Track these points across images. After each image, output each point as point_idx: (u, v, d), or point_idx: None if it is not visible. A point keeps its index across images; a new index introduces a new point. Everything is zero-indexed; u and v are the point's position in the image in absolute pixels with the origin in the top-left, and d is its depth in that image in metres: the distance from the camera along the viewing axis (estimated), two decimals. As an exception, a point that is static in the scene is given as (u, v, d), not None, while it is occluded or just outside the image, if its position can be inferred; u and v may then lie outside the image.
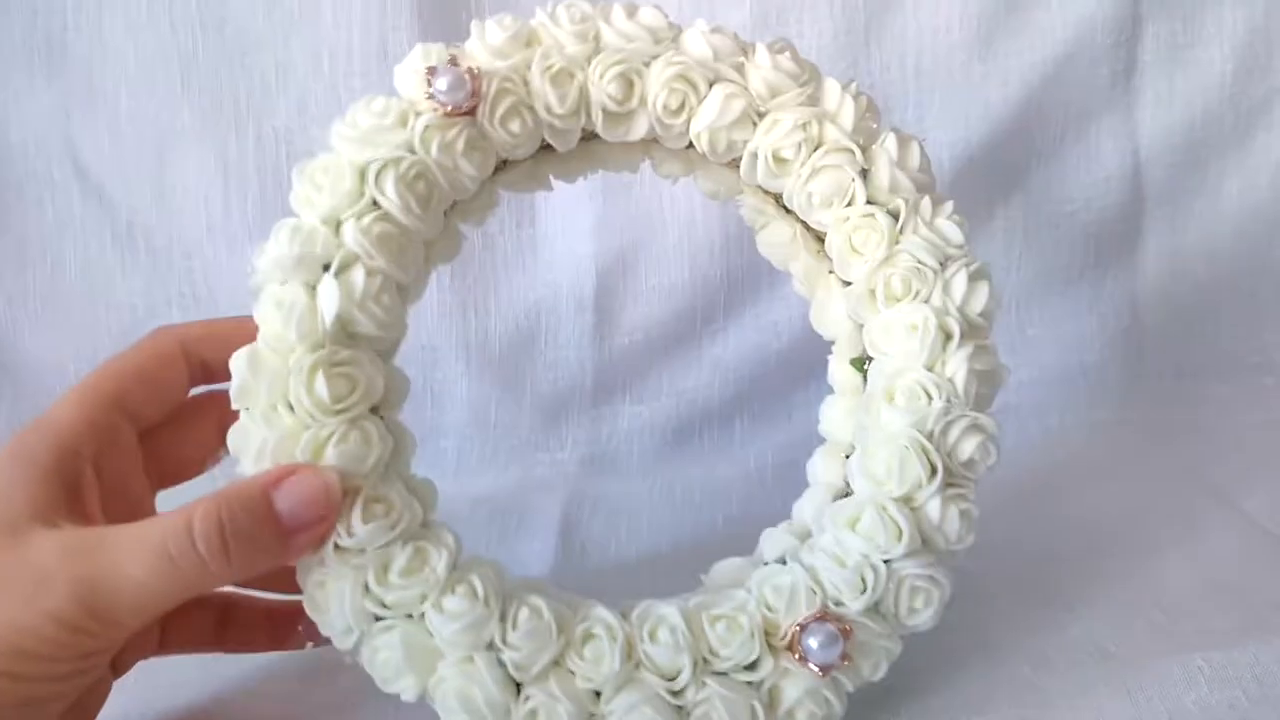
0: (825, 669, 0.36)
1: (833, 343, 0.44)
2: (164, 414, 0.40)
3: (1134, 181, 0.65)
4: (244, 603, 0.42)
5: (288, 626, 0.42)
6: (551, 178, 0.44)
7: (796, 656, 0.36)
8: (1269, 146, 0.65)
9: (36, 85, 0.63)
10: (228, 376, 0.36)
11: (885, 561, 0.37)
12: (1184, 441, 0.61)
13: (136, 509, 0.39)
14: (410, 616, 0.35)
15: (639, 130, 0.40)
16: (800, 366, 0.65)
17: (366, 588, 0.35)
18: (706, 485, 0.62)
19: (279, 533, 0.33)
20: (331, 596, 0.35)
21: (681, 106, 0.39)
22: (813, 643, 0.36)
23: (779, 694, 0.37)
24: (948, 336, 0.39)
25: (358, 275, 0.36)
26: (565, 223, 0.66)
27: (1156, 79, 0.64)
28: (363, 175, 0.37)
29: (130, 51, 0.63)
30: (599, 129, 0.40)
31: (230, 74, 0.63)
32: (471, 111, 0.38)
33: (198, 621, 0.41)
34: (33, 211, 0.65)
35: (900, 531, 0.37)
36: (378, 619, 0.35)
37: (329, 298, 0.35)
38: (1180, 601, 0.46)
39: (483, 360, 0.66)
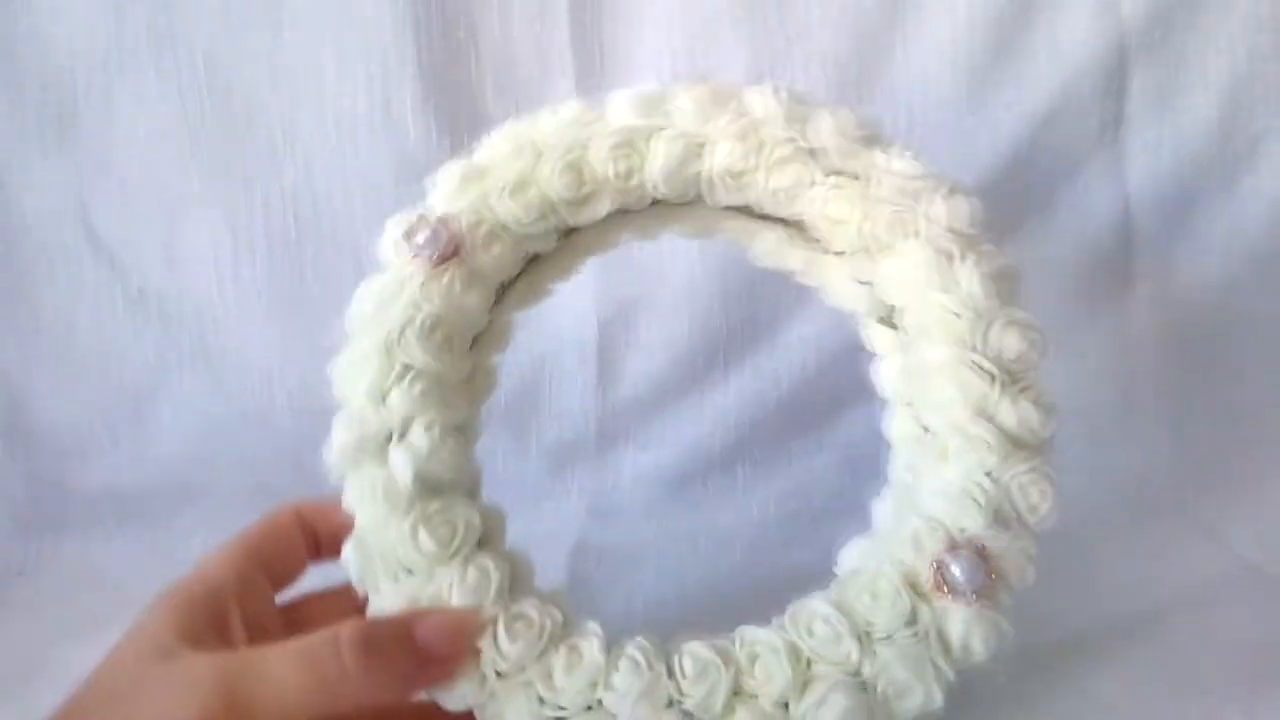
0: (977, 592, 0.37)
1: (857, 316, 0.46)
2: (291, 574, 0.43)
3: (1124, 228, 0.66)
4: None
5: None
6: (550, 284, 0.46)
7: (947, 593, 0.37)
8: (1257, 191, 0.65)
9: (49, 155, 0.65)
10: (338, 545, 0.39)
11: (986, 475, 0.39)
12: (1178, 483, 0.62)
13: None
14: (590, 709, 0.37)
15: (603, 207, 0.43)
16: (800, 414, 0.66)
17: (540, 700, 0.36)
18: (710, 531, 0.63)
19: (417, 658, 0.36)
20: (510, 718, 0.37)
21: (629, 170, 0.42)
22: (956, 571, 0.37)
23: (947, 634, 0.37)
24: (949, 257, 0.41)
25: (417, 434, 0.39)
26: (567, 276, 0.67)
27: (1144, 127, 0.65)
28: (386, 348, 0.39)
29: (140, 121, 0.64)
30: (569, 221, 0.43)
31: (238, 140, 0.64)
32: (456, 253, 0.41)
33: None
34: (46, 277, 0.66)
35: (986, 442, 0.39)
36: None
37: (401, 463, 0.38)
38: (1180, 641, 0.47)
39: (488, 412, 0.66)
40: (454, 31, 0.65)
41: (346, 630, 0.34)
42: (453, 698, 0.37)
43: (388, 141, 0.65)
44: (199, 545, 0.42)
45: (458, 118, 0.65)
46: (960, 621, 0.37)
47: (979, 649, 0.37)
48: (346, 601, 0.40)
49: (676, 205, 0.44)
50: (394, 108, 0.64)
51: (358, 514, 0.38)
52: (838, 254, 0.44)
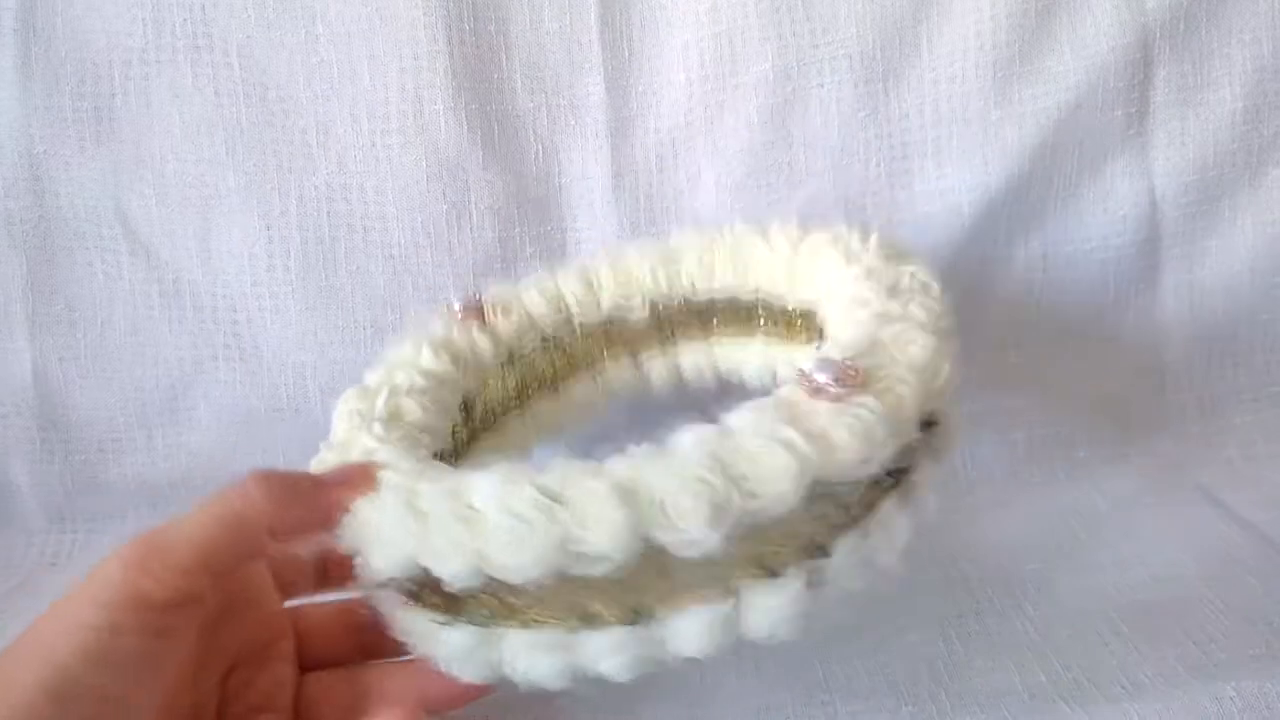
0: (841, 390, 0.35)
1: None
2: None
3: (1150, 220, 0.66)
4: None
5: None
6: None
7: (817, 393, 0.36)
8: (1282, 182, 0.66)
9: (86, 151, 0.65)
10: None
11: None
12: (1208, 473, 0.62)
13: None
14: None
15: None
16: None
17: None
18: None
19: (318, 481, 0.38)
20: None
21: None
22: (819, 376, 0.36)
23: (826, 439, 0.34)
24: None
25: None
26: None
27: (1169, 119, 0.65)
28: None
29: (176, 118, 0.65)
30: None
31: (273, 137, 0.65)
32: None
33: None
34: (82, 273, 0.67)
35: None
36: None
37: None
38: (1210, 631, 0.47)
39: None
40: (484, 28, 0.65)
41: (249, 473, 0.37)
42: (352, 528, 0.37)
43: (419, 138, 0.65)
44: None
45: (488, 114, 0.66)
46: (834, 416, 0.35)
47: (846, 438, 0.34)
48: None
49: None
50: (425, 104, 0.65)
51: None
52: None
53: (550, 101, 0.67)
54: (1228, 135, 0.65)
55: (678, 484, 0.32)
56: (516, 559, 0.32)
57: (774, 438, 0.33)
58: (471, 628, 0.36)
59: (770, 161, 0.66)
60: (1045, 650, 0.46)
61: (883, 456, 0.35)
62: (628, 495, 0.32)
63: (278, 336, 0.67)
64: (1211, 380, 0.67)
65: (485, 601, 0.36)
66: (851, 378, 0.36)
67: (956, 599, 0.51)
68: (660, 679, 0.46)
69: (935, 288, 0.44)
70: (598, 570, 0.33)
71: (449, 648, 0.37)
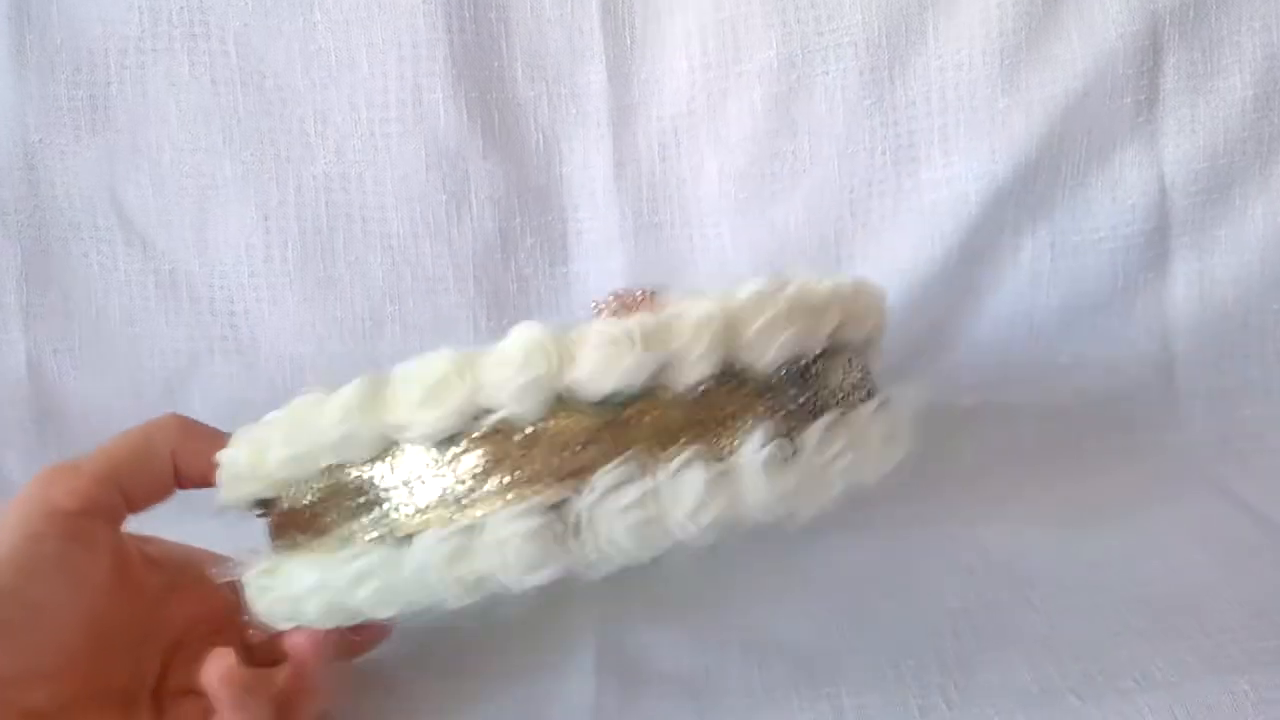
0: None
1: None
2: (150, 502, 0.42)
3: (1159, 208, 0.65)
4: None
5: None
6: None
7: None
8: (1293, 168, 0.65)
9: (82, 139, 0.65)
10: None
11: None
12: (1218, 465, 0.61)
13: None
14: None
15: None
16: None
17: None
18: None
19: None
20: None
21: None
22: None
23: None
24: None
25: None
26: (598, 263, 0.67)
27: (1178, 107, 0.65)
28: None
29: (173, 106, 0.65)
30: None
31: (270, 126, 0.65)
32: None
33: None
34: (78, 262, 0.66)
35: None
36: None
37: None
38: (1221, 623, 0.46)
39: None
40: (485, 15, 0.65)
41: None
42: None
43: (419, 127, 0.65)
44: (228, 528, 0.41)
45: (488, 103, 0.65)
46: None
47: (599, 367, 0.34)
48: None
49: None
50: (425, 93, 0.64)
51: None
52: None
53: (551, 90, 0.66)
54: (1238, 123, 0.64)
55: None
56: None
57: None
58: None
59: (774, 150, 0.66)
60: (1054, 643, 0.45)
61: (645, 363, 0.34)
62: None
63: (275, 328, 0.66)
64: (1222, 371, 0.66)
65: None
66: (636, 302, 0.38)
67: (965, 591, 0.50)
68: (662, 668, 0.46)
69: None
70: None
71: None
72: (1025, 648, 0.45)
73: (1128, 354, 0.66)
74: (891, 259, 0.65)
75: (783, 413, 0.36)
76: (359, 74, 0.64)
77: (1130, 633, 0.46)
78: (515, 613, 0.45)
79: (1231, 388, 0.66)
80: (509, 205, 0.66)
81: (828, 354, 0.38)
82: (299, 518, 0.38)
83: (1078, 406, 0.66)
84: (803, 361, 0.37)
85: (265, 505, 0.40)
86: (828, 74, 0.64)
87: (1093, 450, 0.64)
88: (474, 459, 0.34)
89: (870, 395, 0.41)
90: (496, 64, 0.66)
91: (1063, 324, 0.67)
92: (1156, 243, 0.66)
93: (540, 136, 0.66)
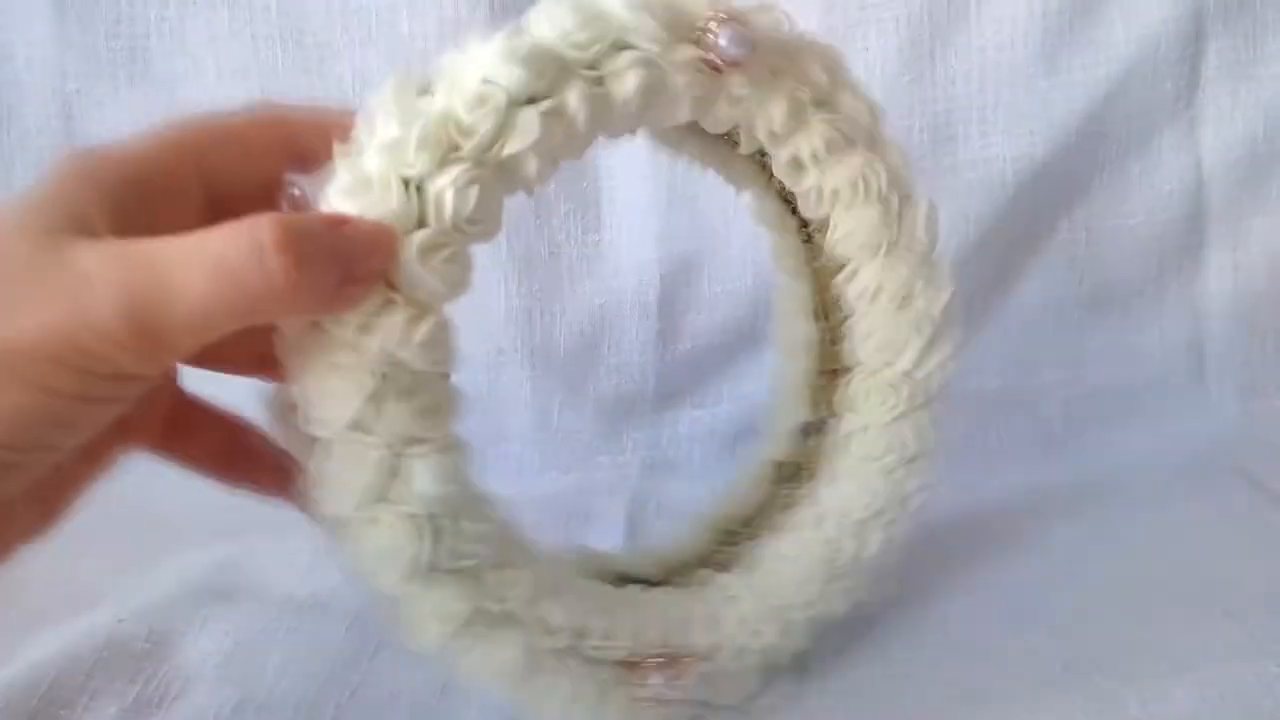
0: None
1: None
2: (240, 192, 0.34)
3: (1196, 195, 0.65)
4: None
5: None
6: None
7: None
8: (1332, 159, 0.65)
9: (119, 91, 0.65)
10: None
11: None
12: (1247, 453, 0.61)
13: None
14: None
15: None
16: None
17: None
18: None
19: (344, 266, 0.30)
20: None
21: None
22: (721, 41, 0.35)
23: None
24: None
25: None
26: (630, 230, 0.67)
27: (1219, 94, 0.64)
28: None
29: (211, 61, 0.64)
30: None
31: (309, 84, 0.64)
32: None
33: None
34: (112, 214, 0.66)
35: None
36: None
37: None
38: (1249, 608, 0.46)
39: (547, 365, 0.67)
40: (526, -24, 0.64)
41: (268, 232, 0.28)
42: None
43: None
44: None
45: (528, 66, 0.65)
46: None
47: None
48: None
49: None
50: (465, 54, 0.64)
51: None
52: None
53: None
54: (1278, 112, 0.64)
55: None
56: None
57: None
58: None
59: (811, 124, 0.65)
60: (1080, 626, 0.46)
61: None
62: None
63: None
64: (1252, 361, 0.66)
65: None
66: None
67: (990, 572, 0.50)
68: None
69: None
70: None
71: None
72: (1051, 629, 0.45)
73: (1159, 340, 0.66)
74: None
75: None
76: (399, 33, 0.64)
77: (1157, 617, 0.46)
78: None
79: (1262, 377, 0.66)
80: (544, 171, 0.66)
81: None
82: None
83: (1107, 392, 0.66)
84: None
85: None
86: (868, 49, 0.64)
87: (1121, 436, 0.64)
88: None
89: None
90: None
91: (1095, 308, 0.67)
92: (1192, 229, 0.66)
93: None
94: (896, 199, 0.40)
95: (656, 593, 0.43)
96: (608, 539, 0.57)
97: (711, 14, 0.35)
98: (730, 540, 0.47)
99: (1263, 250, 0.65)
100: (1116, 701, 0.40)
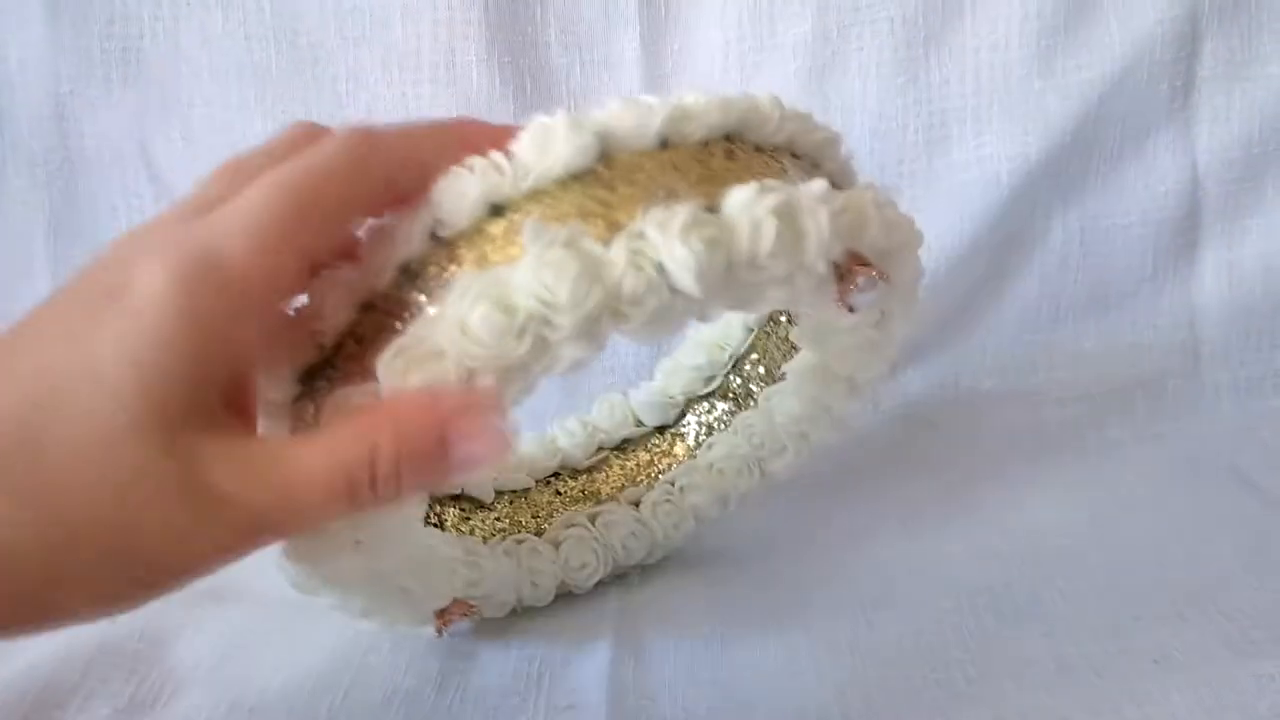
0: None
1: None
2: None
3: (1191, 196, 0.65)
4: None
5: None
6: None
7: None
8: (1328, 163, 0.65)
9: (113, 92, 0.65)
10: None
11: None
12: (1241, 455, 0.60)
13: None
14: None
15: None
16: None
17: None
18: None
19: (445, 474, 0.30)
20: None
21: None
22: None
23: None
24: None
25: None
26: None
27: (1214, 95, 0.64)
28: None
29: (205, 61, 0.64)
30: None
31: (302, 84, 0.64)
32: None
33: None
34: (106, 217, 0.66)
35: None
36: None
37: None
38: (1246, 610, 0.45)
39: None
40: (520, -21, 0.65)
41: (384, 453, 0.28)
42: None
43: (450, 89, 0.64)
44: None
45: (521, 68, 0.65)
46: None
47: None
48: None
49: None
50: (458, 55, 0.64)
51: None
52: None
53: (584, 57, 0.66)
54: (1274, 112, 0.64)
55: None
56: None
57: None
58: None
59: (805, 125, 0.65)
60: (1075, 624, 0.45)
61: None
62: None
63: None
64: (1248, 361, 0.66)
65: None
66: None
67: (986, 572, 0.50)
68: (677, 639, 0.46)
69: None
70: None
71: None
72: (1045, 627, 0.45)
73: (1154, 341, 0.66)
74: (919, 237, 0.65)
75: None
76: (393, 34, 0.64)
77: (1152, 616, 0.46)
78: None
79: (1257, 377, 0.65)
80: (538, 172, 0.66)
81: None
82: None
83: (1102, 392, 0.66)
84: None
85: None
86: (862, 50, 0.64)
87: (1116, 436, 0.63)
88: None
89: None
90: (530, 29, 0.65)
91: (1090, 309, 0.66)
92: (1187, 230, 0.66)
93: (572, 104, 0.66)
94: None
95: None
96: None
97: (862, 265, 0.36)
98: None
99: (1258, 251, 0.65)
100: (1111, 702, 0.40)
